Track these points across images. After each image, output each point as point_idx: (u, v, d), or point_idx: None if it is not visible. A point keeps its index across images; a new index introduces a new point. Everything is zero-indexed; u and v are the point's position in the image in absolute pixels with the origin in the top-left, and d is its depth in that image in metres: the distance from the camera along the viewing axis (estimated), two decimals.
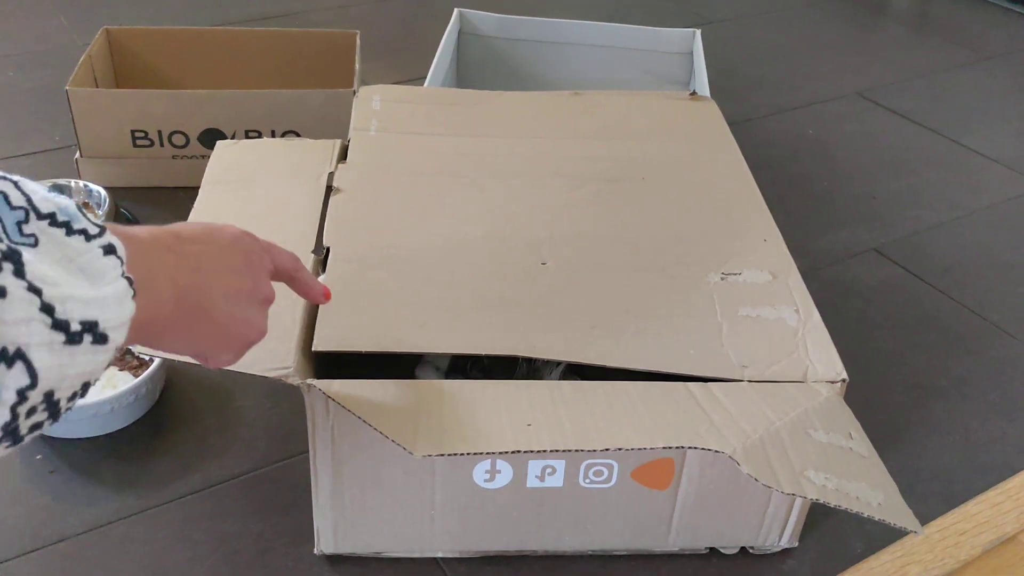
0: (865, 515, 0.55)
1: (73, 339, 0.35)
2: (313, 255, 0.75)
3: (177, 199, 1.15)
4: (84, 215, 0.38)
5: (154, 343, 0.48)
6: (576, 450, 0.57)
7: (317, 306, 0.71)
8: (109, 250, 0.38)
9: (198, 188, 1.10)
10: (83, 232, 0.38)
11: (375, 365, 0.67)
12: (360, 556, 0.73)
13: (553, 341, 0.69)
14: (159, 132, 1.13)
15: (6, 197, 0.36)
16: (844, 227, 1.17)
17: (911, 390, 0.93)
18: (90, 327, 0.36)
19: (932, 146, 1.37)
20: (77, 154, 1.14)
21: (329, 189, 0.84)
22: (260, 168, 0.88)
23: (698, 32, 1.31)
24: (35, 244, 0.36)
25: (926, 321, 1.02)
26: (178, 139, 1.13)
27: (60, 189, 1.08)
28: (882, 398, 0.91)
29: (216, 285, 0.50)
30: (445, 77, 1.27)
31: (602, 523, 0.72)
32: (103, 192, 1.08)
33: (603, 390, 0.64)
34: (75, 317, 0.35)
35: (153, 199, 1.14)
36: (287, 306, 0.69)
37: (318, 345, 0.66)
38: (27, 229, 0.36)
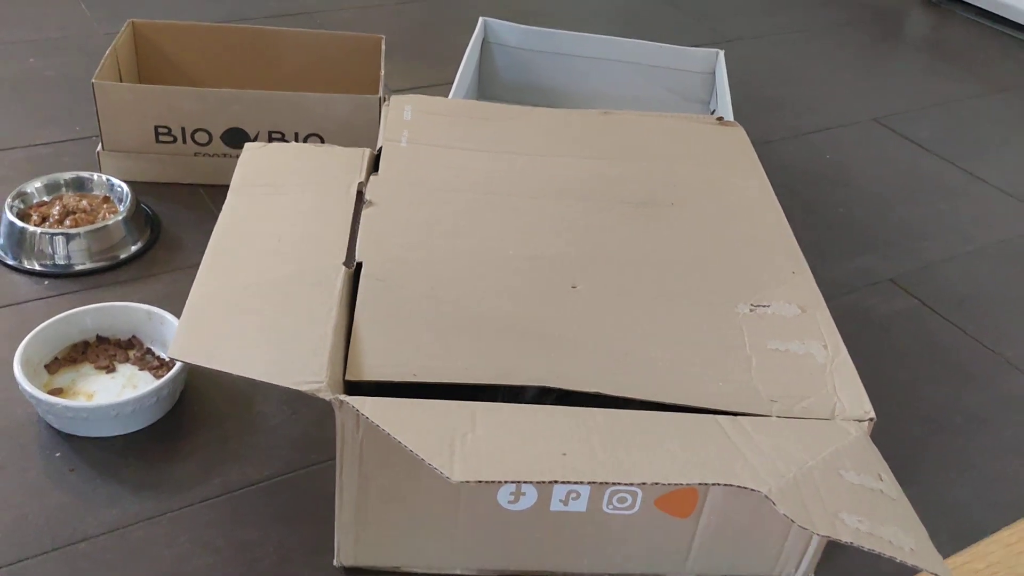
0: (898, 560, 0.55)
1: None
2: (344, 267, 0.76)
3: (197, 196, 1.15)
4: None
5: None
6: (613, 483, 0.57)
7: (351, 321, 0.71)
8: None
9: (219, 186, 1.11)
10: None
11: (405, 384, 0.67)
12: (380, 570, 0.73)
13: (584, 371, 0.69)
14: (183, 129, 1.12)
15: None
16: (860, 255, 1.17)
17: (925, 424, 0.93)
18: None
19: (947, 176, 1.38)
20: (99, 147, 1.13)
21: (360, 199, 0.84)
22: (290, 174, 0.88)
23: (721, 53, 1.32)
24: None
25: (940, 355, 1.03)
26: (201, 137, 1.13)
27: (83, 182, 1.08)
28: (896, 431, 0.92)
29: None
30: (469, 86, 1.27)
31: (622, 547, 0.73)
32: (125, 187, 1.07)
33: (633, 420, 0.65)
34: None
35: (174, 196, 1.14)
36: (319, 318, 0.70)
37: (352, 374, 0.66)
38: None
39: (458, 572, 0.74)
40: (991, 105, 1.62)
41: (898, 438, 0.91)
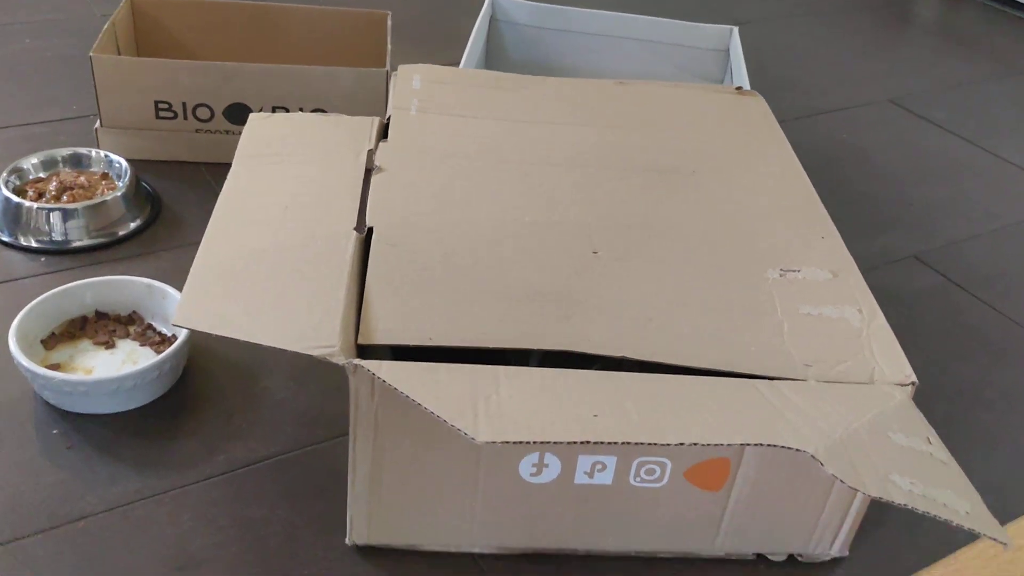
0: (954, 523, 0.52)
1: None
2: (356, 232, 0.72)
3: (199, 174, 1.11)
4: None
5: None
6: (649, 443, 0.53)
7: (363, 285, 0.68)
8: None
9: (221, 164, 1.07)
10: None
11: (420, 351, 0.63)
12: (394, 548, 0.70)
13: (610, 335, 0.66)
14: (183, 104, 1.09)
15: None
16: (883, 233, 1.14)
17: (956, 400, 0.90)
18: None
19: (968, 156, 1.35)
20: (97, 124, 1.10)
21: (370, 168, 0.80)
22: (297, 143, 0.84)
23: (735, 29, 1.29)
24: None
25: (969, 331, 0.99)
26: (203, 112, 1.10)
27: (79, 158, 1.05)
28: (927, 408, 0.88)
29: None
30: (477, 65, 1.24)
31: (648, 524, 0.69)
32: (124, 163, 1.04)
33: (668, 384, 0.61)
34: None
35: (175, 173, 1.11)
36: (330, 283, 0.66)
37: (364, 338, 0.63)
38: None
39: (476, 550, 0.70)
40: (1007, 87, 1.59)
41: (928, 414, 0.87)
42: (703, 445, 0.54)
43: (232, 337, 0.62)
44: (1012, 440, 0.86)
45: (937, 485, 0.54)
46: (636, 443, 0.53)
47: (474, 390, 0.58)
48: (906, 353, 0.95)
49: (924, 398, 0.89)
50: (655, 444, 0.54)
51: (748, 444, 0.55)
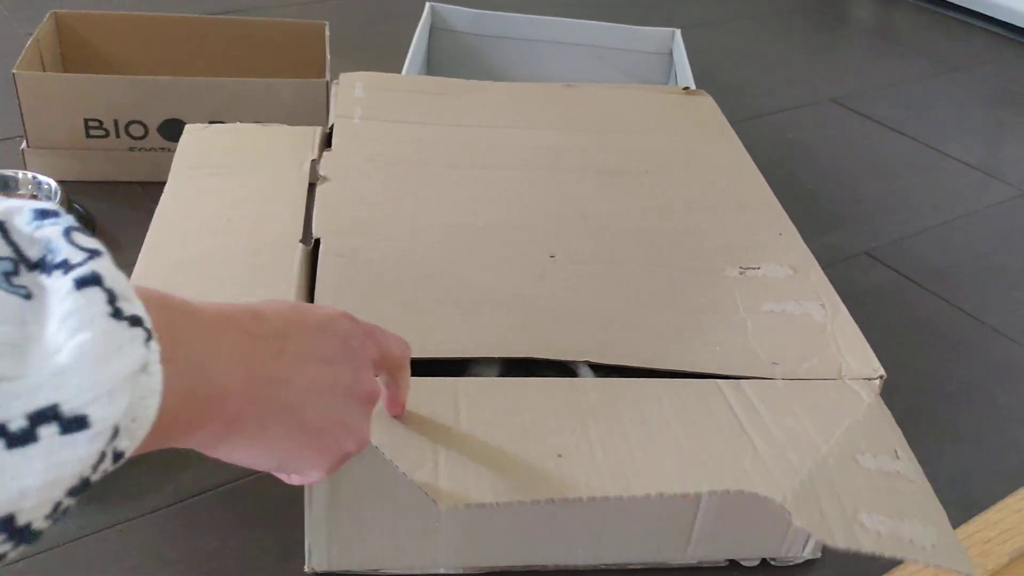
0: (921, 562, 0.51)
1: (18, 440, 0.25)
2: (302, 245, 0.69)
3: (135, 194, 1.07)
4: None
5: (211, 446, 0.37)
6: (616, 497, 0.51)
7: (311, 299, 0.65)
8: (103, 293, 0.28)
9: (158, 183, 1.03)
10: (65, 265, 0.28)
11: None
12: (356, 574, 0.66)
13: (570, 340, 0.63)
14: (115, 122, 1.05)
15: None
16: (833, 230, 1.14)
17: (918, 395, 0.89)
18: (47, 415, 0.26)
19: (912, 152, 1.36)
20: (23, 144, 1.05)
21: (314, 180, 0.77)
22: (237, 154, 0.81)
23: (678, 32, 1.28)
24: (28, 297, 0.27)
25: (925, 325, 0.99)
26: (136, 130, 1.05)
27: (5, 180, 1.00)
28: (889, 403, 0.88)
29: (303, 376, 0.39)
30: (418, 74, 1.21)
31: (619, 535, 0.67)
32: (53, 184, 0.99)
33: (632, 394, 0.59)
34: (16, 411, 0.25)
35: (109, 194, 1.06)
36: (281, 295, 0.63)
37: None
38: (17, 280, 0.27)
39: (442, 571, 0.67)
40: (944, 84, 1.61)
41: (893, 410, 0.87)
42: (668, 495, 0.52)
43: None
44: (974, 432, 0.85)
45: (905, 515, 0.53)
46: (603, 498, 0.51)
47: (434, 422, 0.55)
48: None
49: (886, 395, 0.89)
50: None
51: (715, 492, 0.53)
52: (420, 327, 0.63)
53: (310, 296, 0.65)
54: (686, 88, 1.00)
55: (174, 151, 1.06)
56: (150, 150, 1.07)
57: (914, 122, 1.45)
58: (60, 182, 1.00)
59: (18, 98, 1.01)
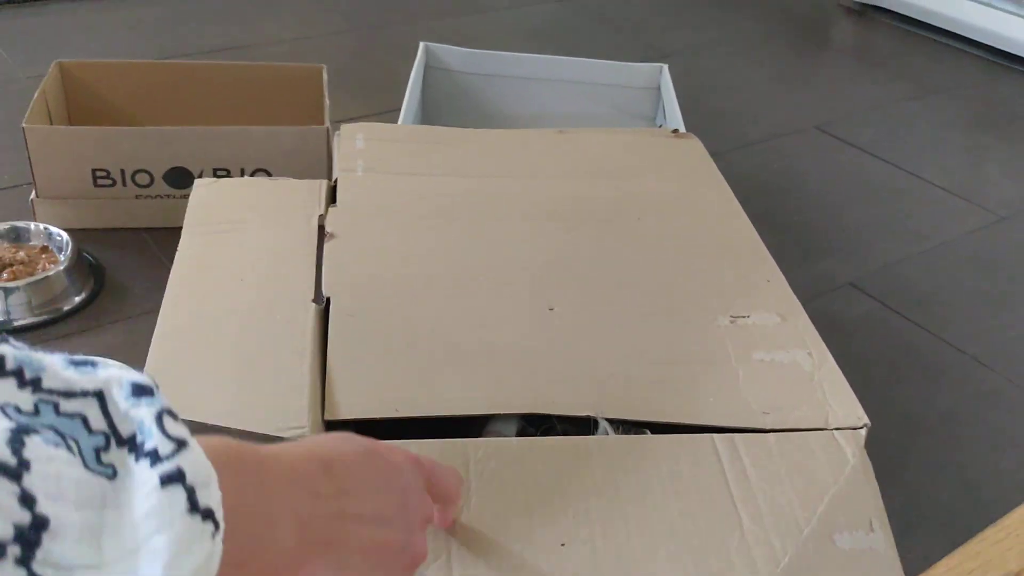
0: None
1: None
2: (315, 304, 0.72)
3: (142, 241, 1.10)
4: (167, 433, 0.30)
5: None
6: None
7: (325, 359, 0.68)
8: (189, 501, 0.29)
9: (164, 229, 1.07)
10: (154, 454, 0.30)
11: (394, 422, 0.64)
12: None
13: (573, 394, 0.67)
14: (122, 171, 1.08)
15: (85, 421, 0.30)
16: (819, 261, 1.18)
17: (902, 426, 0.93)
18: None
19: (894, 178, 1.40)
20: (33, 195, 1.08)
21: (322, 232, 0.81)
22: (246, 210, 0.84)
23: (665, 67, 1.32)
24: (113, 476, 0.29)
25: (908, 356, 1.03)
26: (142, 178, 1.09)
27: (19, 233, 1.03)
28: (874, 434, 0.91)
29: (357, 538, 0.40)
30: (415, 114, 1.25)
31: None
32: (65, 235, 1.03)
33: (633, 461, 0.62)
34: None
35: (116, 241, 1.09)
36: (293, 359, 0.67)
37: (331, 414, 0.63)
38: (106, 457, 0.30)
39: None
40: (924, 107, 1.66)
41: (877, 441, 0.90)
42: None
43: (201, 422, 0.62)
44: (956, 463, 0.89)
45: None
46: None
47: None
48: (851, 382, 0.98)
49: (874, 425, 0.92)
50: None
51: None
52: (427, 384, 0.66)
53: (325, 355, 0.68)
54: (675, 131, 1.04)
55: (179, 198, 1.10)
56: (156, 197, 1.10)
57: (896, 148, 1.49)
58: (69, 231, 1.04)
59: (27, 151, 1.04)
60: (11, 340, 0.32)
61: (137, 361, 0.65)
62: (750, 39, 1.89)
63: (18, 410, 0.30)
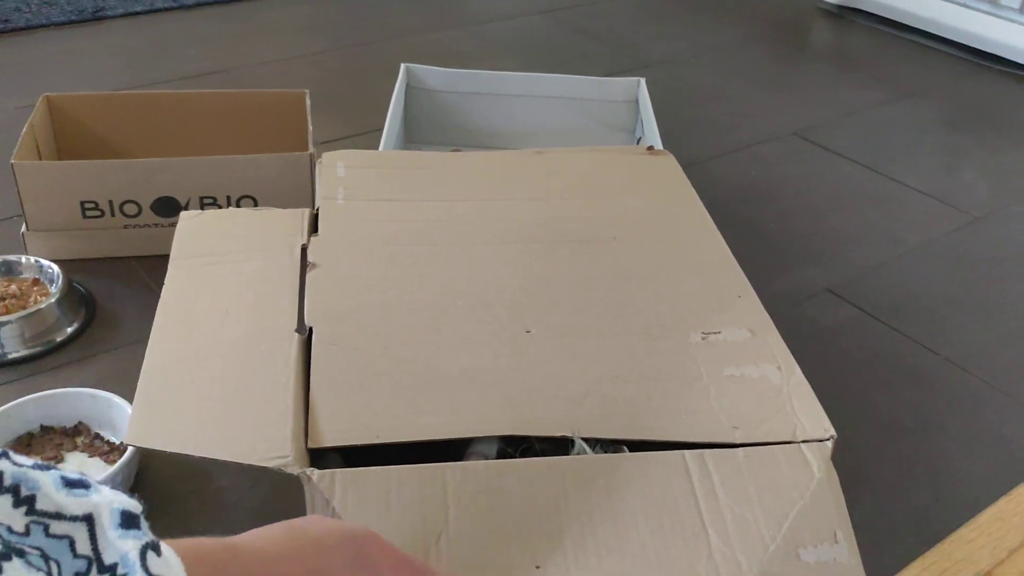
0: None
1: None
2: (298, 335, 0.75)
3: (131, 269, 1.12)
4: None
5: None
6: None
7: (308, 389, 0.70)
8: None
9: (152, 257, 1.09)
10: None
11: (377, 448, 0.66)
12: None
13: (550, 415, 0.69)
14: (110, 202, 1.10)
15: (72, 543, 0.32)
16: (796, 268, 1.20)
17: (878, 430, 0.96)
18: None
19: (871, 183, 1.42)
20: (23, 228, 1.10)
21: (304, 262, 0.83)
22: (230, 241, 0.86)
23: (642, 81, 1.34)
24: None
25: (885, 360, 1.05)
26: (130, 208, 1.11)
27: (10, 266, 1.05)
28: (851, 439, 0.94)
29: None
30: (398, 135, 1.27)
31: None
32: (56, 267, 1.05)
33: (604, 481, 0.64)
34: None
35: (106, 271, 1.11)
36: (277, 389, 0.69)
37: (314, 442, 0.66)
38: None
39: None
40: (900, 110, 1.68)
41: (853, 445, 0.93)
42: None
43: (187, 453, 0.64)
44: (931, 465, 0.92)
45: None
46: None
47: (424, 522, 0.60)
48: (826, 387, 1.00)
49: (847, 432, 0.95)
50: None
51: None
52: (408, 410, 0.69)
53: (307, 384, 0.70)
54: (650, 148, 1.06)
55: (167, 226, 1.12)
56: (144, 227, 1.12)
57: (872, 152, 1.51)
58: (59, 262, 1.06)
59: (17, 186, 1.06)
60: (10, 455, 0.33)
61: (127, 390, 0.68)
62: (729, 46, 1.92)
63: (10, 530, 0.31)
